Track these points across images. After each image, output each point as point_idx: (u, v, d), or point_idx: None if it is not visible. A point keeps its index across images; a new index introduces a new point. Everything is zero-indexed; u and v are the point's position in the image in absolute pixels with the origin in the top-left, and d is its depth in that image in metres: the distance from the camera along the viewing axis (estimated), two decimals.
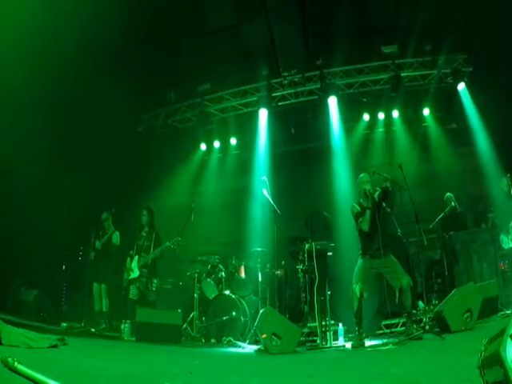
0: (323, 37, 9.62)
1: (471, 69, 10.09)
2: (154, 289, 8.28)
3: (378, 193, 6.57)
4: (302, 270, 8.01)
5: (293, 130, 11.80)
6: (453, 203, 8.75)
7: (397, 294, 6.27)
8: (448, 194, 8.95)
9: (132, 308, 7.82)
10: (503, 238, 8.03)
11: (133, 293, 8.11)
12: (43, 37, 6.95)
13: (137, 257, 8.26)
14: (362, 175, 6.81)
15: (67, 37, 7.36)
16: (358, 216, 6.60)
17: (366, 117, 11.29)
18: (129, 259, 8.38)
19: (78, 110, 9.02)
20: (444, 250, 8.53)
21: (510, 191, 8.10)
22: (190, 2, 8.47)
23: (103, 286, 8.71)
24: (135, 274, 8.15)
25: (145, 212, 8.63)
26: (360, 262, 6.52)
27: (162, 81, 10.24)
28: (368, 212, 6.48)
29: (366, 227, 6.47)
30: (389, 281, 6.42)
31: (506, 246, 7.97)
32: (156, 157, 12.15)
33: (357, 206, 6.70)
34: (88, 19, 7.14)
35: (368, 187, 6.58)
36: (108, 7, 6.84)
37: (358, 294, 6.23)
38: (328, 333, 7.00)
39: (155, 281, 8.35)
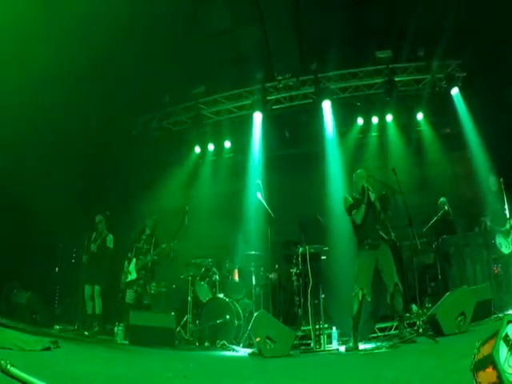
0: (317, 41, 9.65)
1: (465, 74, 10.15)
2: (152, 292, 8.28)
3: (374, 194, 6.53)
4: (295, 273, 8.01)
5: (287, 134, 11.80)
6: (446, 207, 8.78)
7: (388, 297, 6.27)
8: (442, 198, 8.98)
9: (127, 311, 7.80)
10: (501, 241, 7.89)
11: (129, 296, 8.09)
12: (41, 38, 6.96)
13: (135, 259, 8.25)
14: (359, 171, 6.80)
15: (65, 39, 7.35)
16: (351, 208, 6.56)
17: (360, 121, 11.33)
18: (126, 262, 8.36)
19: (71, 112, 9.00)
20: (437, 253, 8.55)
21: (499, 191, 8.14)
22: (186, 6, 8.48)
23: (96, 287, 8.68)
24: (132, 276, 8.14)
25: (155, 217, 8.68)
26: (360, 259, 6.43)
27: (156, 83, 10.22)
28: (363, 207, 6.44)
29: (359, 220, 6.43)
30: (384, 279, 6.37)
31: (505, 251, 7.85)
32: (150, 160, 12.14)
33: (349, 198, 6.67)
34: (84, 22, 7.15)
35: (365, 184, 6.56)
36: (104, 10, 6.83)
37: (361, 297, 6.19)
38: (322, 336, 7.01)
39: (153, 284, 8.35)
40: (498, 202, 8.18)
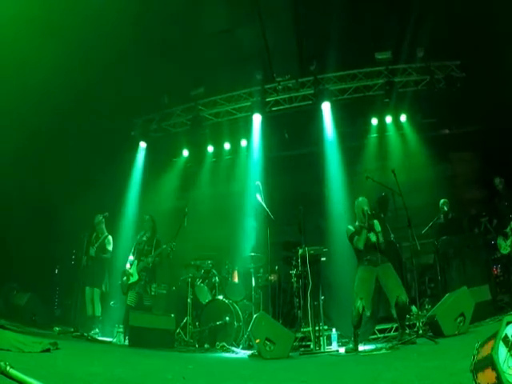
0: (317, 42, 9.67)
1: (464, 75, 10.16)
2: (152, 293, 8.26)
3: (379, 225, 6.53)
4: (295, 275, 8.02)
5: (286, 135, 11.81)
6: (445, 208, 8.78)
7: (393, 311, 6.23)
8: (442, 199, 8.97)
9: (127, 313, 7.78)
10: (500, 242, 7.97)
11: (130, 299, 8.07)
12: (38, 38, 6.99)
13: (136, 261, 8.23)
14: (360, 198, 6.80)
15: (63, 38, 7.36)
16: (353, 235, 6.58)
17: (360, 122, 11.32)
18: (128, 264, 8.35)
19: (70, 113, 9.00)
20: (437, 254, 8.55)
21: (503, 191, 8.16)
22: (184, 7, 8.48)
23: (96, 290, 8.68)
24: (134, 278, 8.12)
25: (148, 217, 8.65)
26: (360, 273, 6.45)
27: (155, 85, 10.23)
28: (364, 231, 6.47)
29: (361, 246, 6.45)
30: (387, 294, 6.35)
31: (503, 252, 7.93)
32: (149, 161, 12.15)
33: (351, 228, 6.70)
34: (84, 24, 7.16)
35: (366, 208, 6.59)
36: (103, 11, 6.85)
37: (361, 311, 6.20)
38: (321, 338, 7.01)
39: (154, 285, 8.34)
40: (503, 202, 8.20)
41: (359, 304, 6.20)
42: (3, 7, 6.39)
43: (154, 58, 9.32)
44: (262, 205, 7.96)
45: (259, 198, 7.98)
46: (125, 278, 8.27)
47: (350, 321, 6.35)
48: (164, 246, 8.08)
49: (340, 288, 8.01)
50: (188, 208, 8.84)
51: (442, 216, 8.83)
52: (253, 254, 9.02)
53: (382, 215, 6.71)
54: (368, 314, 6.29)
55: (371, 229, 6.52)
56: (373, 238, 6.47)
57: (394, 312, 6.20)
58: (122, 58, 8.67)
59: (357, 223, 6.72)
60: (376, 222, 6.55)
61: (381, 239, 6.48)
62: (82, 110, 9.04)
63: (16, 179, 8.37)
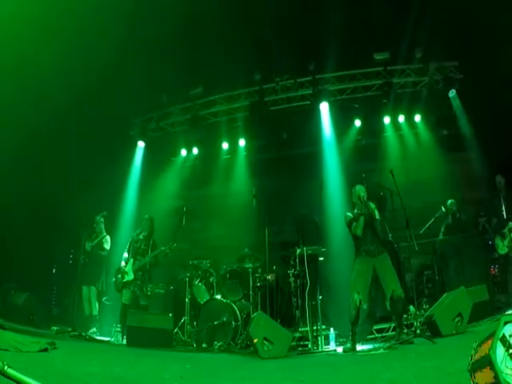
0: (315, 42, 9.67)
1: (462, 76, 10.17)
2: (149, 293, 8.26)
3: (377, 212, 6.54)
4: (293, 274, 8.00)
5: (285, 135, 11.81)
6: (443, 208, 8.78)
7: (387, 303, 6.26)
8: (449, 200, 8.97)
9: (123, 312, 7.79)
10: (498, 243, 7.96)
11: (125, 297, 8.07)
12: (38, 38, 6.98)
13: (132, 260, 8.23)
14: (357, 187, 6.80)
15: (62, 38, 7.36)
16: (351, 222, 6.59)
17: (358, 123, 11.31)
18: (123, 262, 8.34)
19: (70, 113, 8.99)
20: (435, 254, 8.56)
21: (504, 191, 8.17)
22: (184, 7, 8.48)
23: (93, 288, 8.67)
24: (130, 276, 8.11)
25: (147, 217, 8.66)
26: (357, 265, 6.45)
27: (154, 84, 10.22)
28: (362, 218, 6.48)
29: (359, 232, 6.45)
30: (383, 286, 6.38)
31: (501, 252, 7.94)
32: (147, 160, 12.15)
33: (349, 214, 6.71)
34: (84, 24, 7.16)
35: (363, 194, 6.60)
36: (103, 11, 6.85)
37: (358, 304, 6.21)
38: (319, 337, 7.02)
39: (150, 285, 8.35)
40: (502, 202, 8.20)
41: (356, 297, 6.21)
42: (3, 7, 6.38)
43: (152, 58, 9.31)
44: (259, 204, 8.00)
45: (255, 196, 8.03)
46: (119, 275, 8.27)
47: (348, 317, 6.36)
48: (163, 248, 8.09)
49: (338, 288, 8.01)
50: (186, 207, 8.84)
51: (450, 217, 8.83)
52: (251, 253, 9.01)
53: (382, 234, 6.71)
54: (365, 307, 6.31)
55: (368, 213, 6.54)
56: (376, 215, 6.50)
57: (387, 304, 6.23)
58: (121, 58, 8.66)
59: (355, 211, 6.74)
60: (373, 207, 6.55)
61: (378, 227, 6.51)
62: (82, 110, 9.03)
63: (16, 179, 8.36)
